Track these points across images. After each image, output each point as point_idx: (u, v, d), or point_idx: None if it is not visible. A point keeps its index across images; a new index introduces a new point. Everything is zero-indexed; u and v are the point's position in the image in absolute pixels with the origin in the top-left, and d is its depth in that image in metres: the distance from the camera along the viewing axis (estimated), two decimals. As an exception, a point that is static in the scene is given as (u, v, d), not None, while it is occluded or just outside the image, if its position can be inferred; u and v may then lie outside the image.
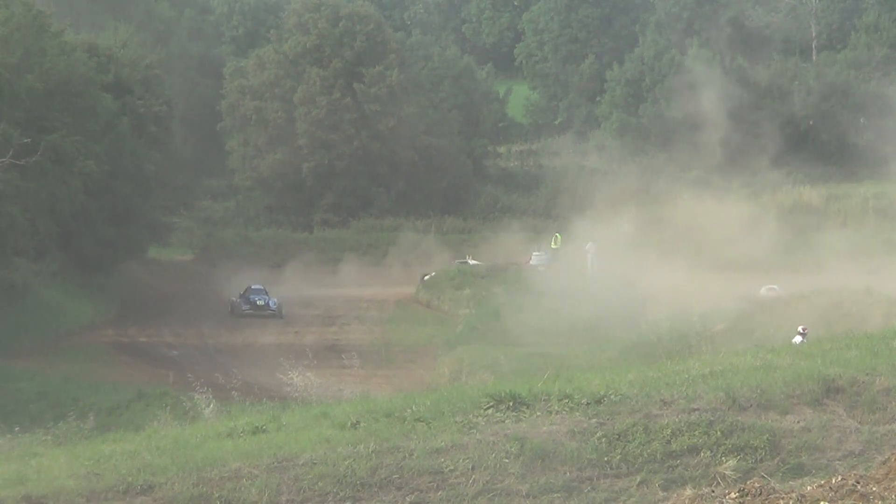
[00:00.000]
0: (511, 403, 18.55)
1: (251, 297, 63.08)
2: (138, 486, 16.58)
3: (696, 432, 17.59)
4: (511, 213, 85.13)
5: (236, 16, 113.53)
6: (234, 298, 63.71)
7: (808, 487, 14.58)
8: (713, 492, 14.72)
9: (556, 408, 18.40)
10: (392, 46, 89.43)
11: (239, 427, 19.30)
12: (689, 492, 14.90)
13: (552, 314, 52.97)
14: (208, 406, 24.26)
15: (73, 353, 52.44)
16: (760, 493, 14.10)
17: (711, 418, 17.90)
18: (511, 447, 17.16)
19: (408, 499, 16.52)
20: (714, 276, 57.96)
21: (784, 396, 18.63)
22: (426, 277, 70.80)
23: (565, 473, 16.89)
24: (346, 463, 16.87)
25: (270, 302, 62.83)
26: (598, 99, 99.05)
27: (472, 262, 73.24)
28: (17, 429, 24.36)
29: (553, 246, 72.23)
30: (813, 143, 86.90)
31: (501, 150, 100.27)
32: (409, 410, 18.75)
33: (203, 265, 77.09)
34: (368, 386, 39.71)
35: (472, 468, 16.86)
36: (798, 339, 30.39)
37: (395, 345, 53.81)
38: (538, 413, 18.29)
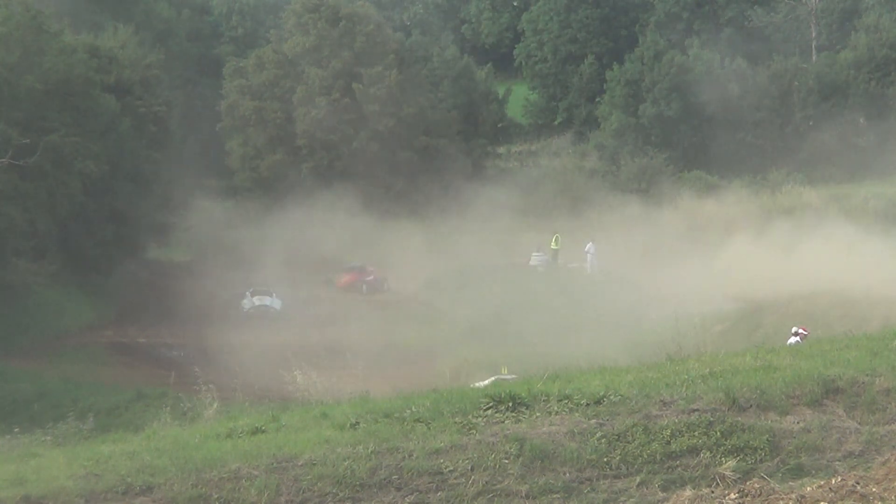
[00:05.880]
0: (510, 404, 18.53)
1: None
2: (138, 486, 16.56)
3: (696, 433, 17.55)
4: (511, 213, 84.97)
5: (235, 16, 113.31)
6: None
7: (808, 488, 14.57)
8: (713, 492, 14.71)
9: (556, 408, 18.38)
10: (391, 47, 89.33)
11: (238, 427, 19.27)
12: (688, 492, 14.89)
13: (552, 314, 52.98)
14: (212, 406, 24.21)
15: (72, 354, 52.47)
16: (760, 494, 14.09)
17: (711, 419, 17.87)
18: (510, 448, 17.14)
19: (407, 499, 16.50)
20: (714, 276, 57.91)
21: (784, 397, 18.60)
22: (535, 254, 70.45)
23: (565, 474, 16.87)
24: (346, 463, 16.85)
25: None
26: (598, 99, 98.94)
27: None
28: (16, 429, 24.31)
29: (553, 246, 72.16)
30: (813, 143, 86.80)
31: (501, 150, 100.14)
32: (408, 411, 18.71)
33: (203, 265, 77.01)
34: (368, 386, 39.61)
35: (472, 469, 16.84)
36: (793, 339, 30.13)
37: (395, 345, 53.72)
38: (538, 413, 18.26)
